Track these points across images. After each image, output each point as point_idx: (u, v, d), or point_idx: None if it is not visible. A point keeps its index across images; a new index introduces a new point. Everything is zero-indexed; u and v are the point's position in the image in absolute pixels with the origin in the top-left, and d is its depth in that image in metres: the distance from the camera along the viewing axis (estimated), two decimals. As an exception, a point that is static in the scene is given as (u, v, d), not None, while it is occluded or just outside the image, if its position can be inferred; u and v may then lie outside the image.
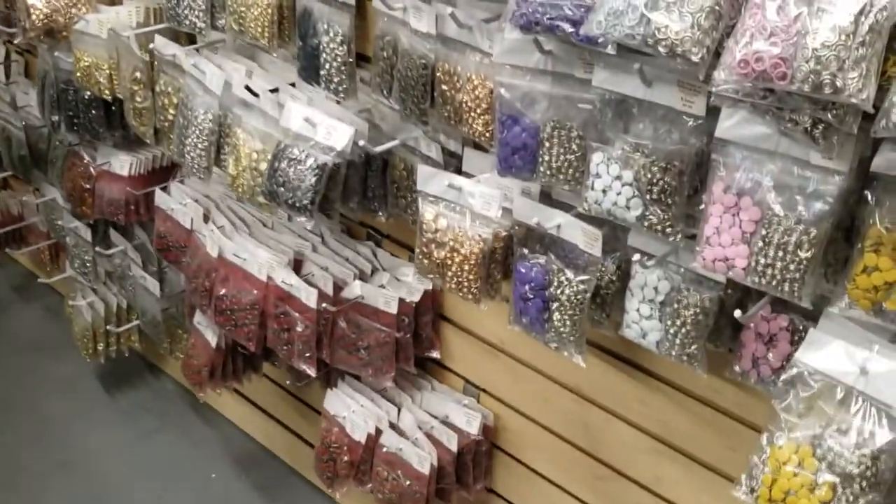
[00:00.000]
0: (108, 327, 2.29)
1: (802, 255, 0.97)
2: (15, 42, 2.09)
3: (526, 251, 1.30)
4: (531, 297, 1.30)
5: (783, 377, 1.05)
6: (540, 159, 1.20)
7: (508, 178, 1.25)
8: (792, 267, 0.98)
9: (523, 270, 1.30)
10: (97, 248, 2.24)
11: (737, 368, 1.19)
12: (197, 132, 1.63)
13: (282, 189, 1.46)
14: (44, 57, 2.02)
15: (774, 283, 1.00)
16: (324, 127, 1.45)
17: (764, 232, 0.99)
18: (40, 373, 2.52)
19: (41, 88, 2.09)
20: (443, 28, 1.26)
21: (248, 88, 1.53)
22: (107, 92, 1.86)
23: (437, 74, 1.29)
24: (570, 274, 1.26)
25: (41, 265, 2.68)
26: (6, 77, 2.37)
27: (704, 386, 1.37)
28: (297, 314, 1.68)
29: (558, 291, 1.27)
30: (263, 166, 1.51)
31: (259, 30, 1.50)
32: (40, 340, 2.63)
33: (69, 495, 2.16)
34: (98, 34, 1.82)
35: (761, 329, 1.17)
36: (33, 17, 1.85)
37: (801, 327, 1.13)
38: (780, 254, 0.98)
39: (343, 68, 1.43)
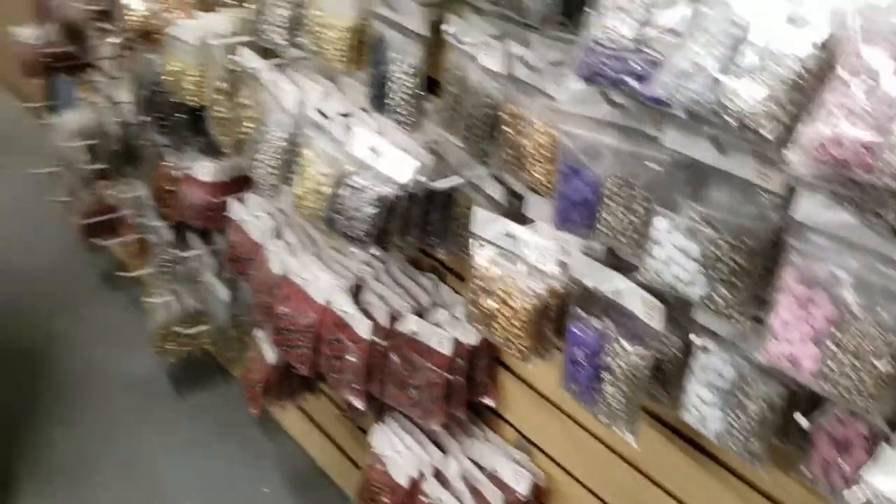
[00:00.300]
0: (177, 328, 2.32)
1: (880, 366, 0.85)
2: (111, 41, 2.15)
3: (582, 312, 1.21)
4: (582, 363, 1.21)
5: (847, 496, 0.92)
6: (599, 217, 1.11)
7: (565, 232, 1.16)
8: (866, 378, 0.86)
9: (577, 333, 1.21)
10: (176, 250, 2.28)
11: (805, 471, 1.07)
12: (268, 148, 1.62)
13: (339, 216, 1.42)
14: (139, 57, 2.07)
15: (846, 393, 0.88)
16: (388, 157, 1.40)
17: (838, 334, 0.87)
18: (115, 364, 2.59)
19: (136, 87, 2.14)
20: (512, 68, 1.19)
21: (317, 110, 1.50)
22: (192, 98, 1.88)
23: (502, 115, 1.22)
24: (626, 344, 1.16)
25: (132, 256, 2.75)
26: (112, 72, 2.45)
27: (773, 482, 1.24)
28: (349, 343, 1.64)
29: (612, 361, 1.18)
30: (327, 191, 1.48)
31: (335, 52, 1.47)
32: (120, 331, 2.70)
33: (121, 493, 2.19)
34: (189, 40, 1.83)
35: (836, 432, 1.04)
36: (129, 18, 1.89)
37: (882, 435, 1.00)
38: (855, 362, 0.86)
39: (410, 99, 1.38)
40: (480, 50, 1.23)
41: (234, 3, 1.81)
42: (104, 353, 2.63)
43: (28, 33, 2.67)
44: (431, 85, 1.41)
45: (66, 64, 2.64)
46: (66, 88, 2.78)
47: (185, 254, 2.25)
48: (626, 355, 1.16)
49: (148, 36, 1.95)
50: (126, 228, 2.62)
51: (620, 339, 1.15)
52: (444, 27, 1.29)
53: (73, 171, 2.66)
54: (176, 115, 2.01)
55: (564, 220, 1.16)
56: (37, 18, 2.63)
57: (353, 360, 1.64)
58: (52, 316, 2.75)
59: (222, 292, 2.15)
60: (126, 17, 1.91)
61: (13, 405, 2.36)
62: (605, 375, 1.19)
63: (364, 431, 2.11)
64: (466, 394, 1.63)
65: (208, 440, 2.37)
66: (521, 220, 1.32)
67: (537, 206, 1.33)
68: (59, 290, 2.89)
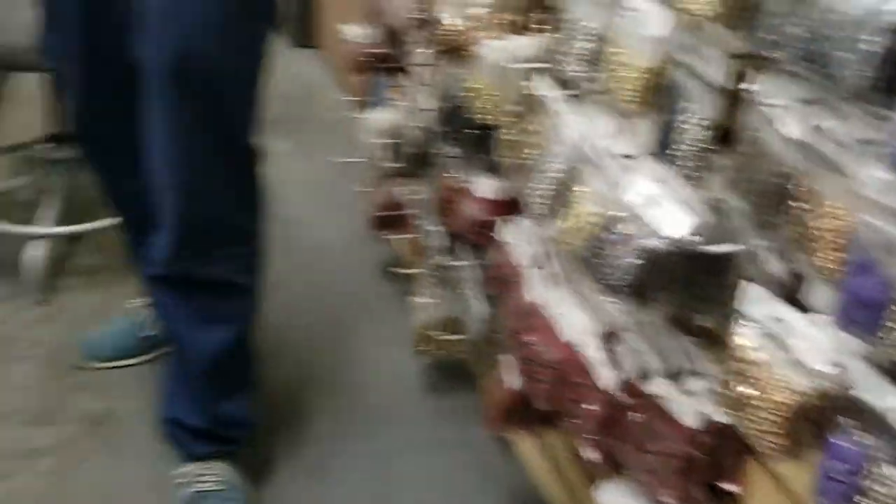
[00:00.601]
0: (435, 332, 2.42)
1: None
2: (424, 50, 2.28)
3: (848, 424, 1.08)
4: (838, 480, 1.09)
5: None
6: (886, 324, 0.98)
7: (846, 332, 1.04)
8: None
9: (837, 445, 1.09)
10: (447, 257, 2.37)
11: None
12: (544, 177, 1.63)
13: (599, 260, 1.39)
14: (446, 70, 2.17)
15: None
16: (664, 209, 1.35)
17: None
18: (374, 354, 2.76)
19: (439, 98, 2.25)
20: (815, 139, 1.09)
21: (599, 148, 1.49)
22: (486, 117, 1.94)
23: (795, 189, 1.12)
24: (891, 472, 1.02)
25: (408, 254, 2.91)
26: (421, 80, 2.59)
27: None
28: (590, 390, 1.61)
29: (871, 486, 1.04)
30: (592, 231, 1.46)
31: (628, 91, 1.44)
32: (384, 323, 2.88)
33: (355, 484, 2.32)
34: (492, 61, 1.89)
35: None
36: (441, 31, 1.99)
37: None
38: None
39: (698, 152, 1.31)
40: (783, 113, 1.14)
41: (542, 29, 1.84)
42: (367, 341, 2.81)
43: (356, 32, 2.92)
44: (724, 141, 1.34)
45: (384, 65, 2.85)
46: (381, 88, 2.99)
47: (453, 262, 2.34)
48: (891, 485, 1.02)
49: (456, 51, 2.04)
50: (407, 227, 2.78)
51: (885, 465, 1.02)
52: (746, 84, 1.22)
53: (373, 166, 2.87)
54: (469, 130, 2.09)
55: (846, 319, 1.04)
56: (366, 19, 2.87)
57: (592, 409, 1.60)
58: (326, 295, 3.00)
59: (480, 307, 2.21)
60: (439, 31, 2.01)
61: (280, 381, 2.57)
62: (862, 500, 1.06)
63: (595, 482, 2.07)
64: (708, 475, 1.53)
65: (447, 447, 2.44)
66: (799, 304, 1.21)
67: (820, 294, 1.20)
68: (338, 273, 3.14)
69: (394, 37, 2.70)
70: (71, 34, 1.91)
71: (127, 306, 2.59)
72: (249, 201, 1.98)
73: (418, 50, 2.50)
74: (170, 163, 1.80)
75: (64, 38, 1.94)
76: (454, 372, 2.63)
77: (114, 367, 2.54)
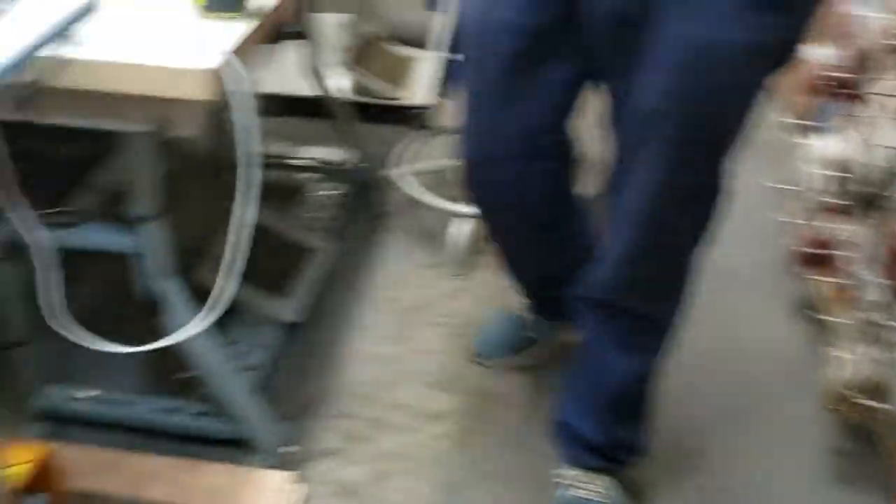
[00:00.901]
0: (851, 392, 2.23)
1: None
2: (890, 79, 2.08)
3: None
4: None
5: None
6: None
7: None
8: None
9: None
10: (883, 314, 2.16)
11: None
12: None
13: None
14: None
15: None
16: None
17: None
18: (779, 399, 2.60)
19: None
20: None
21: None
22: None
23: None
24: None
25: (825, 299, 2.70)
26: (884, 112, 2.37)
27: None
28: None
29: None
30: None
31: None
32: (795, 367, 2.70)
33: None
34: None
35: None
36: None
37: None
38: None
39: None
40: None
41: None
42: (770, 383, 2.66)
43: (815, 52, 2.75)
44: None
45: (841, 90, 2.66)
46: (830, 114, 2.80)
47: (890, 322, 2.13)
48: None
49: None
50: (836, 271, 2.58)
51: None
52: None
53: (809, 197, 2.70)
54: None
55: None
56: (830, 39, 2.69)
57: None
58: (730, 324, 2.88)
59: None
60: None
61: (676, 406, 2.48)
62: None
63: None
64: None
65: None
66: None
67: None
68: (747, 303, 2.99)
69: (861, 61, 2.50)
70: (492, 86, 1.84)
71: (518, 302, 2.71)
72: (703, 241, 1.92)
73: (890, 79, 2.29)
74: (645, 198, 1.77)
75: (478, 77, 1.85)
76: (862, 433, 2.40)
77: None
